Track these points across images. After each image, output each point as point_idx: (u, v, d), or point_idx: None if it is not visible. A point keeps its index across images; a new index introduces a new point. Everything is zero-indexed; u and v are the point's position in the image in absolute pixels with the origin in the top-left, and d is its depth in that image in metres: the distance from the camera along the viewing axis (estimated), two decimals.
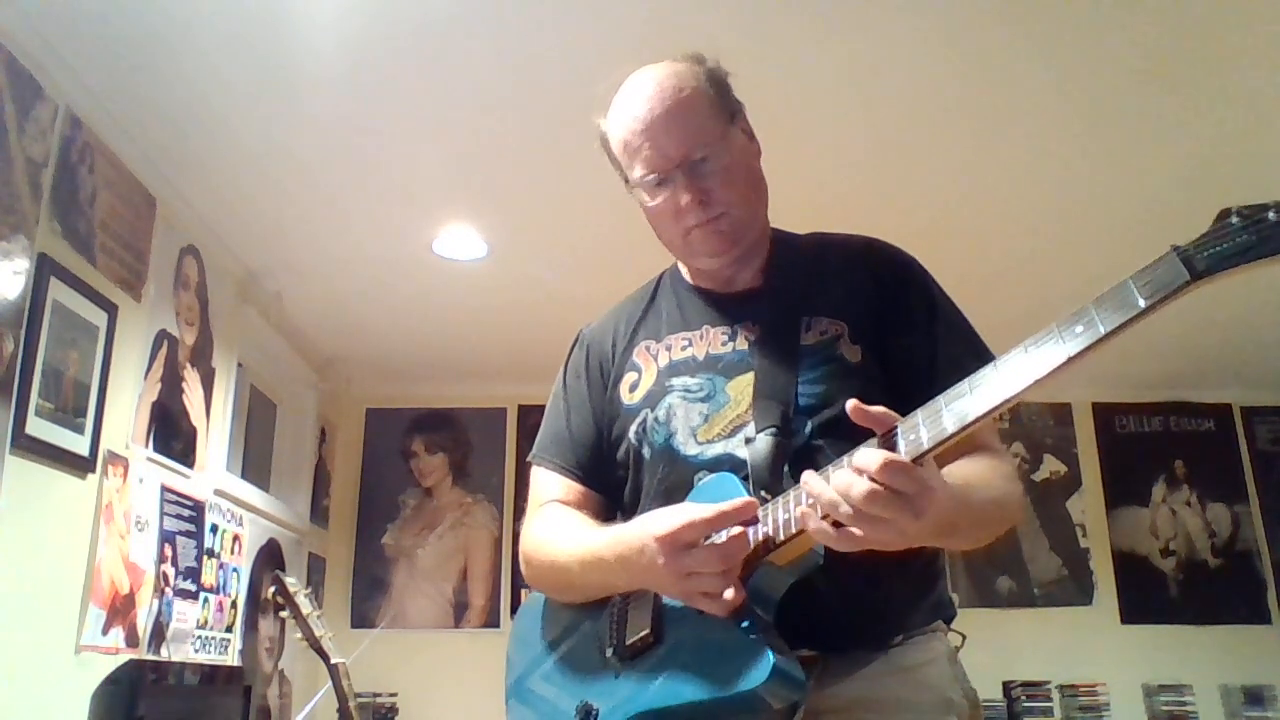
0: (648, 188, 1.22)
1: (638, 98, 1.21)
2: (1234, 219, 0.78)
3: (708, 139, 1.19)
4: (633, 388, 1.28)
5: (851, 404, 0.93)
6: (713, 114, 1.22)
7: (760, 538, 1.02)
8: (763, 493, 1.07)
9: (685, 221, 1.21)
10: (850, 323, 1.20)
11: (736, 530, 1.01)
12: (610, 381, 1.32)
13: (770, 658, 0.96)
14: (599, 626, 1.18)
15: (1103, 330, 0.81)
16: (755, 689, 0.96)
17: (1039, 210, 3.15)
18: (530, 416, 4.62)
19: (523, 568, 1.31)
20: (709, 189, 1.19)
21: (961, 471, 1.04)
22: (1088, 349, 0.82)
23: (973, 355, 1.05)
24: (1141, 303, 0.80)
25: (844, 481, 0.90)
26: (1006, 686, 4.29)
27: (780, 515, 1.00)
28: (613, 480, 1.29)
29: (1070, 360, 0.83)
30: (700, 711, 1.02)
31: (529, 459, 1.38)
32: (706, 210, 1.20)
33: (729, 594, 1.00)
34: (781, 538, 1.00)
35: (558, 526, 1.26)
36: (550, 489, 1.32)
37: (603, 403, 1.31)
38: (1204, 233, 0.79)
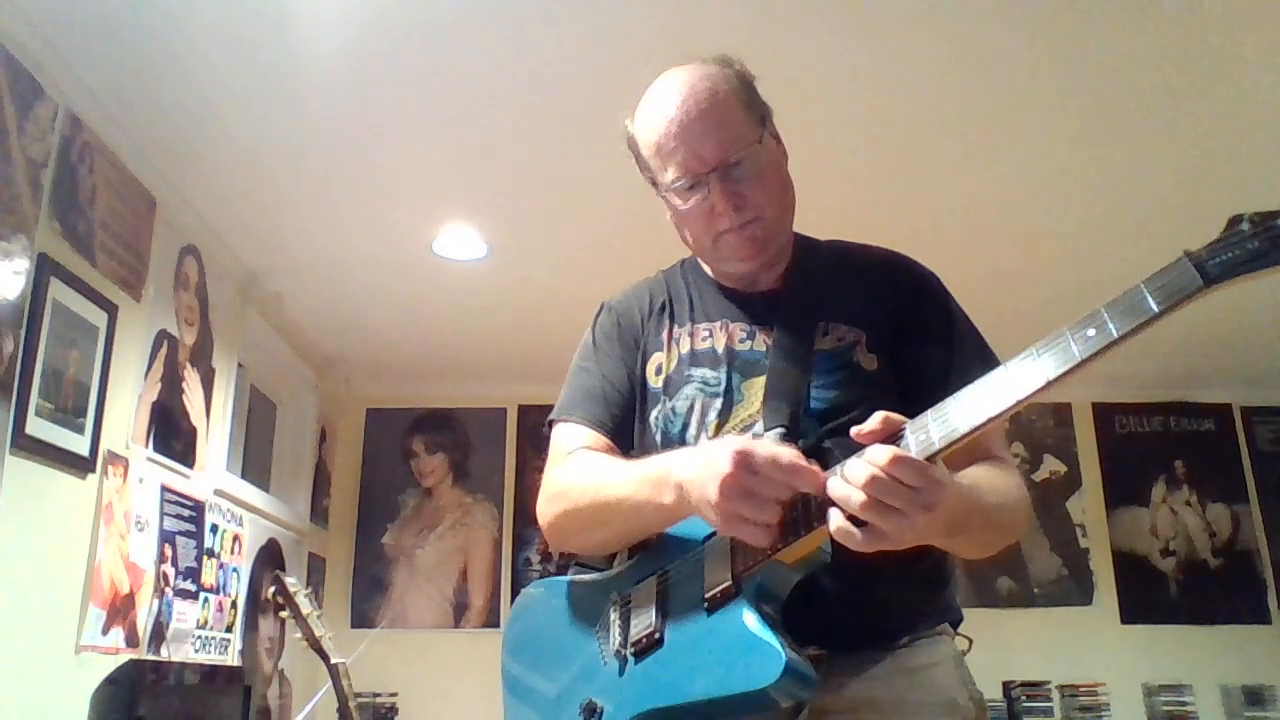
0: (680, 191, 1.21)
1: (670, 99, 1.20)
2: (1245, 226, 0.79)
3: (742, 142, 1.19)
4: (658, 371, 1.28)
5: (854, 431, 0.94)
6: (746, 117, 1.21)
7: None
8: None
9: (717, 226, 1.21)
10: (868, 331, 1.21)
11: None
12: (642, 354, 1.31)
13: (782, 655, 0.96)
14: (601, 624, 1.18)
15: (1115, 334, 0.82)
16: (766, 687, 0.96)
17: (1044, 214, 3.15)
18: (530, 416, 4.63)
19: (545, 508, 1.25)
20: (743, 193, 1.19)
21: (971, 475, 1.04)
22: (1100, 352, 0.83)
23: (986, 372, 1.06)
24: (1155, 308, 0.80)
25: (857, 473, 0.90)
26: (1006, 686, 4.29)
27: (788, 513, 1.00)
28: (631, 447, 1.27)
29: (1081, 363, 0.83)
30: (708, 709, 1.02)
31: (551, 418, 1.34)
32: (740, 215, 1.19)
33: (772, 523, 0.97)
34: (790, 537, 0.99)
35: (599, 459, 1.22)
36: (578, 439, 1.28)
37: (634, 371, 1.30)
38: (1215, 239, 0.80)
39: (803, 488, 0.97)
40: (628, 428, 1.28)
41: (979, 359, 1.17)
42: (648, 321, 1.33)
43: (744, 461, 0.96)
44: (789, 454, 0.97)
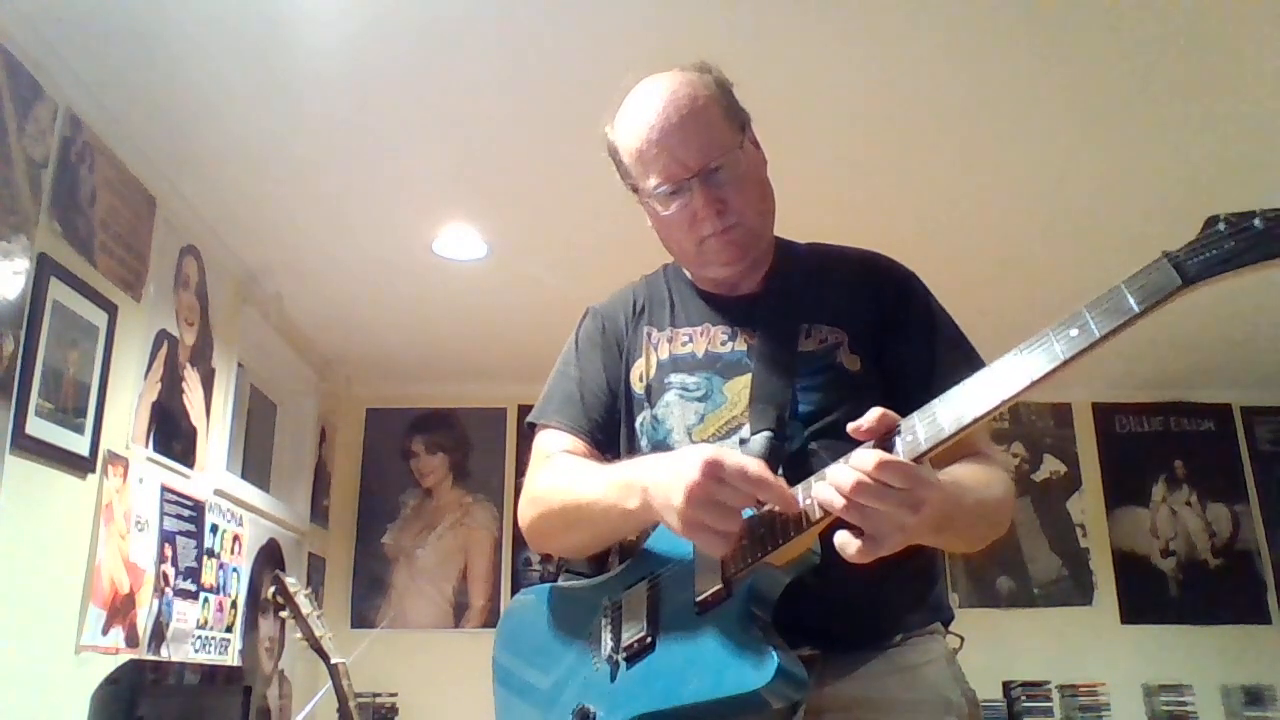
0: (661, 197, 1.22)
1: (651, 106, 1.21)
2: (1221, 226, 0.80)
3: (723, 148, 1.19)
4: (640, 377, 1.28)
5: (850, 426, 0.94)
6: (726, 123, 1.22)
7: (758, 539, 1.02)
8: None
9: (700, 231, 1.21)
10: (851, 332, 1.21)
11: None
12: (625, 360, 1.31)
13: (774, 657, 0.96)
14: (592, 629, 1.18)
15: (1097, 334, 0.83)
16: (759, 689, 0.96)
17: (1035, 215, 3.16)
18: None
19: (524, 510, 1.26)
20: (724, 198, 1.19)
21: (956, 473, 1.05)
22: (1082, 352, 0.84)
23: (969, 369, 1.06)
24: (1135, 307, 0.81)
25: (841, 478, 0.91)
26: (1006, 686, 4.29)
27: (778, 515, 1.00)
28: (616, 451, 1.28)
29: (1065, 363, 0.84)
30: (701, 712, 1.02)
31: (530, 420, 1.35)
32: (722, 219, 1.20)
33: (732, 532, 0.98)
34: (779, 540, 1.00)
35: (575, 463, 1.23)
36: (558, 444, 1.29)
37: (617, 376, 1.31)
38: (1193, 239, 0.81)
39: (767, 500, 0.98)
40: (609, 431, 1.29)
41: (961, 357, 1.18)
42: (630, 327, 1.34)
43: (712, 470, 0.97)
44: (756, 466, 0.98)
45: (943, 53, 2.37)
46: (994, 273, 3.51)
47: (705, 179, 1.18)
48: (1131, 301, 0.81)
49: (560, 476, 1.22)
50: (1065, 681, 4.32)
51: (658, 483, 1.02)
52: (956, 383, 0.92)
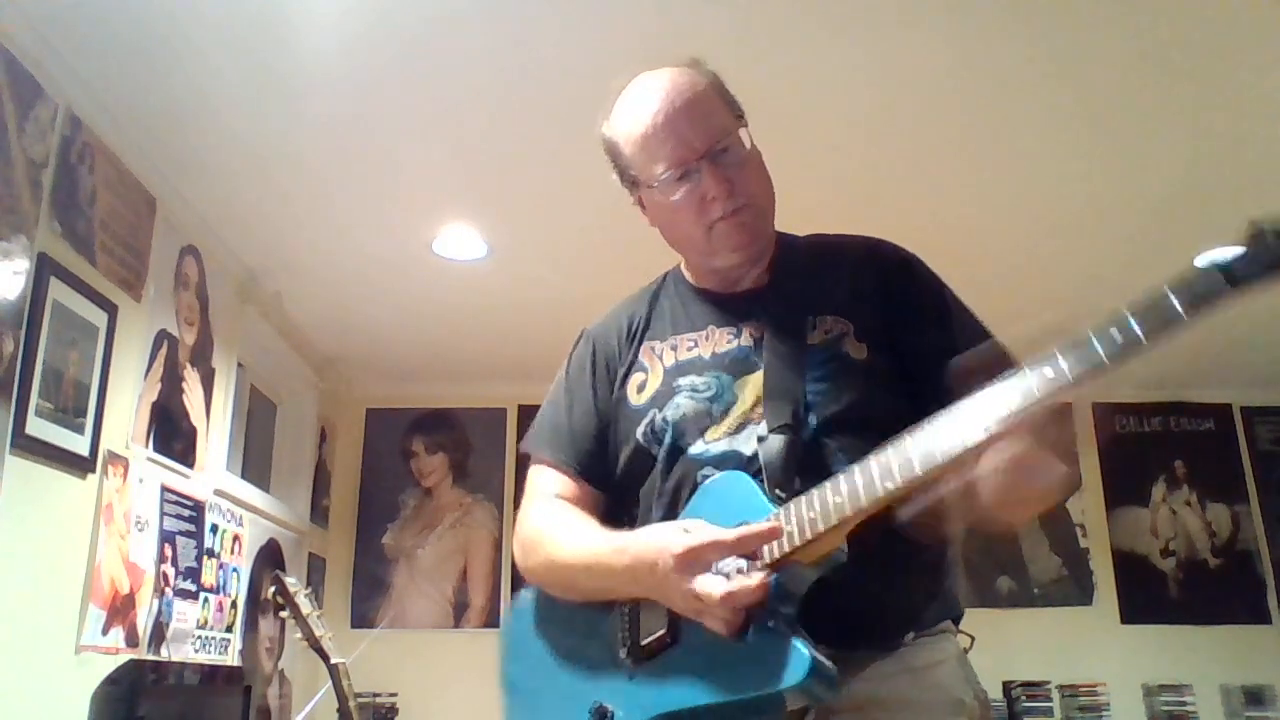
0: (668, 184, 1.21)
1: (652, 95, 1.22)
2: (1270, 239, 0.79)
3: (727, 130, 1.21)
4: (640, 389, 1.27)
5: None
6: (725, 109, 1.24)
7: (785, 544, 1.00)
8: (778, 491, 1.07)
9: (710, 214, 1.21)
10: (856, 321, 1.21)
11: (755, 579, 0.98)
12: (617, 381, 1.31)
13: (807, 656, 0.95)
14: (608, 626, 1.17)
15: (1143, 340, 0.82)
16: (793, 686, 0.95)
17: (1041, 212, 3.15)
18: (530, 417, 4.59)
19: (518, 558, 1.29)
20: (733, 179, 1.20)
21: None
22: (1121, 359, 0.83)
23: (988, 344, 1.06)
24: (1182, 314, 0.80)
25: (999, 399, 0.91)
26: (1006, 686, 4.29)
27: (805, 513, 0.99)
28: (611, 478, 1.28)
29: (1108, 365, 0.83)
30: (723, 712, 1.01)
31: (523, 446, 1.38)
32: (732, 200, 1.20)
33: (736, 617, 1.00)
34: (809, 536, 0.98)
35: (560, 523, 1.24)
36: (548, 483, 1.31)
37: (608, 400, 1.31)
38: (1240, 248, 0.80)
39: (755, 547, 1.00)
40: (598, 461, 1.29)
41: (979, 337, 1.17)
42: (625, 345, 1.33)
43: (687, 565, 1.01)
44: (730, 533, 1.01)
45: (947, 50, 2.36)
46: (998, 270, 3.51)
47: (713, 159, 1.19)
48: (1178, 307, 0.81)
49: (548, 541, 1.24)
50: (1065, 681, 4.31)
51: (646, 589, 1.08)
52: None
